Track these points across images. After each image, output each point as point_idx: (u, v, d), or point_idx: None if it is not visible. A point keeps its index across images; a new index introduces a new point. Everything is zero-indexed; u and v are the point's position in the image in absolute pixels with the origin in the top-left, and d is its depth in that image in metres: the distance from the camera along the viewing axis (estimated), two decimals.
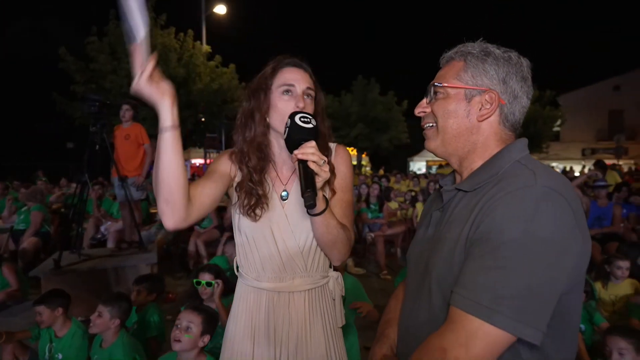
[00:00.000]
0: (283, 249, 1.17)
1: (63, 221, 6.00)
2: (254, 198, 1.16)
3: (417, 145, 25.54)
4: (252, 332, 1.19)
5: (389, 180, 11.00)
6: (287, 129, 1.05)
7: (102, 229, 5.34)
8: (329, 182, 1.16)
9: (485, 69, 0.87)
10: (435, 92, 0.93)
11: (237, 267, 1.29)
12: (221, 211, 5.69)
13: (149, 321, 2.71)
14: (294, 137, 1.02)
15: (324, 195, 1.08)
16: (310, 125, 1.03)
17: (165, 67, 11.46)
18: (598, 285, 3.15)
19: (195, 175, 16.25)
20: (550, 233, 0.71)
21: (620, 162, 16.72)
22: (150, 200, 6.15)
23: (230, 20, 16.95)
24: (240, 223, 1.20)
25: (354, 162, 20.30)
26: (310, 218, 1.10)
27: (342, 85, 21.77)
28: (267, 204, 1.17)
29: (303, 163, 0.99)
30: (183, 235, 6.07)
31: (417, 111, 0.98)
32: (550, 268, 0.71)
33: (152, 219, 6.02)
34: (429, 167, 25.67)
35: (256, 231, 1.17)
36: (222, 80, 13.07)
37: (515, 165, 0.84)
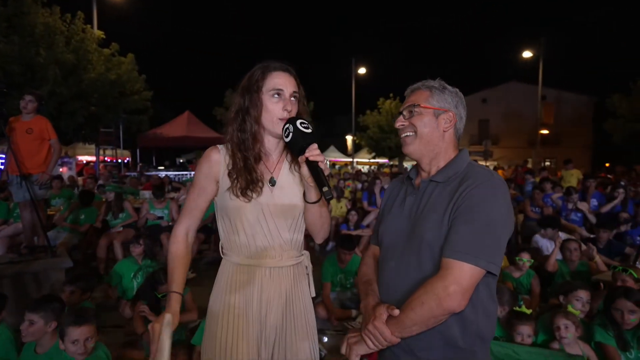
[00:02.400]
0: (274, 229, 1.32)
1: None
2: (248, 180, 1.29)
3: (322, 145, 26.64)
4: (244, 305, 1.31)
5: None
6: (290, 133, 1.19)
7: None
8: None
9: (445, 97, 1.27)
10: (413, 111, 1.27)
11: (222, 250, 1.41)
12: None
13: None
14: (301, 143, 1.17)
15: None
16: (310, 130, 1.19)
17: (51, 51, 10.05)
18: None
19: (82, 171, 14.37)
20: (503, 207, 1.13)
21: (487, 164, 19.95)
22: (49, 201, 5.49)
23: (127, 4, 15.51)
24: (229, 208, 1.32)
25: None
26: (306, 205, 1.32)
27: None
28: (260, 188, 1.31)
29: (314, 163, 1.15)
30: (88, 238, 5.58)
31: (398, 124, 1.30)
32: (504, 228, 1.13)
33: (50, 221, 5.38)
34: (332, 165, 27.02)
35: (248, 214, 1.30)
36: (119, 70, 11.96)
37: (470, 166, 1.23)
